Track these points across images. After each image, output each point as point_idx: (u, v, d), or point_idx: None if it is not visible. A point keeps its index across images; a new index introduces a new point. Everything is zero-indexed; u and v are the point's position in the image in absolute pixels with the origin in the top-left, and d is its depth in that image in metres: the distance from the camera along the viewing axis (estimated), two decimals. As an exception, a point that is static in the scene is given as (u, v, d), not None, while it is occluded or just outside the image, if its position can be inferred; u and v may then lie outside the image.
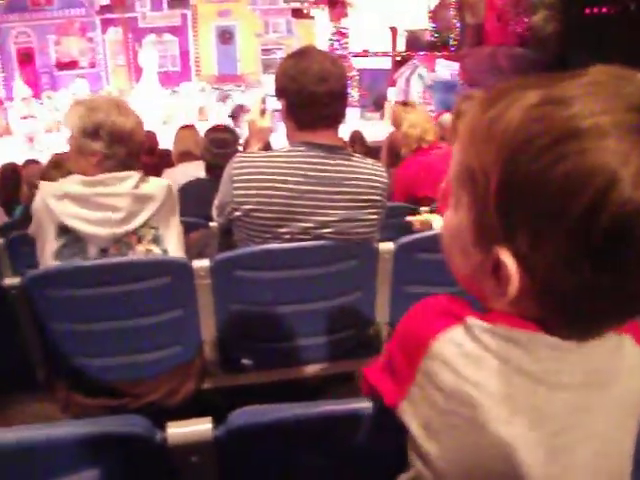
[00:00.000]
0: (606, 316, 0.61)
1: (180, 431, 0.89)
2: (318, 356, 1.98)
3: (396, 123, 3.96)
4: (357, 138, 6.35)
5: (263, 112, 2.08)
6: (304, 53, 1.84)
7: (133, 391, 1.83)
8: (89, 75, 14.78)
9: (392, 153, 3.91)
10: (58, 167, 3.39)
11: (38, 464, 0.84)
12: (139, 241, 1.85)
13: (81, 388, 1.79)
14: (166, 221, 1.91)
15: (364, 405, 0.87)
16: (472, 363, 0.63)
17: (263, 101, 2.08)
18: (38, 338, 1.79)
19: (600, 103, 0.56)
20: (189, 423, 0.89)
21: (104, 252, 1.82)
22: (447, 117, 4.44)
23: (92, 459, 0.86)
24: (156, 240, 1.88)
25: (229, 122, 12.46)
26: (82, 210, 1.79)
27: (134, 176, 1.85)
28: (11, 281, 1.76)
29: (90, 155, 1.85)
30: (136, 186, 1.84)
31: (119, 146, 1.85)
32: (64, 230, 1.80)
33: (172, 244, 1.91)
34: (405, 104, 4.89)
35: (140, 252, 1.84)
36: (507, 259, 0.59)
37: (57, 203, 1.79)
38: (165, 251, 1.89)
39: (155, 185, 1.90)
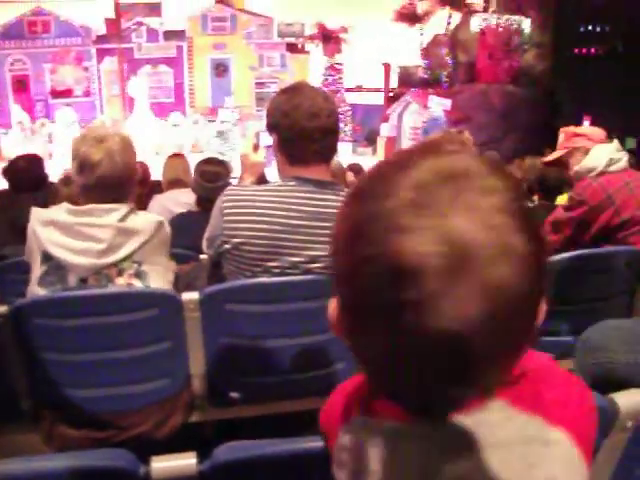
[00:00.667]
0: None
1: (164, 465, 0.88)
2: (307, 390, 1.97)
3: None
4: (355, 171, 6.42)
5: (256, 147, 2.10)
6: (296, 89, 1.87)
7: (119, 423, 1.81)
8: (84, 104, 14.85)
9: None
10: (68, 184, 3.40)
11: None
12: (120, 274, 1.84)
13: (66, 419, 1.78)
14: (152, 257, 1.90)
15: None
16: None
17: (256, 136, 2.10)
18: (24, 367, 1.78)
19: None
20: (173, 457, 0.89)
21: (83, 282, 1.81)
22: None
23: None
24: (139, 275, 1.87)
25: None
26: (65, 238, 1.80)
27: (121, 209, 1.85)
28: (-2, 309, 1.75)
29: (74, 183, 1.89)
30: (122, 219, 1.84)
31: (88, 176, 1.85)
32: (47, 257, 1.81)
33: (155, 281, 1.89)
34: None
35: (120, 285, 1.83)
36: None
37: (43, 229, 1.81)
38: (148, 287, 1.87)
39: (143, 220, 1.89)
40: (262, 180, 2.20)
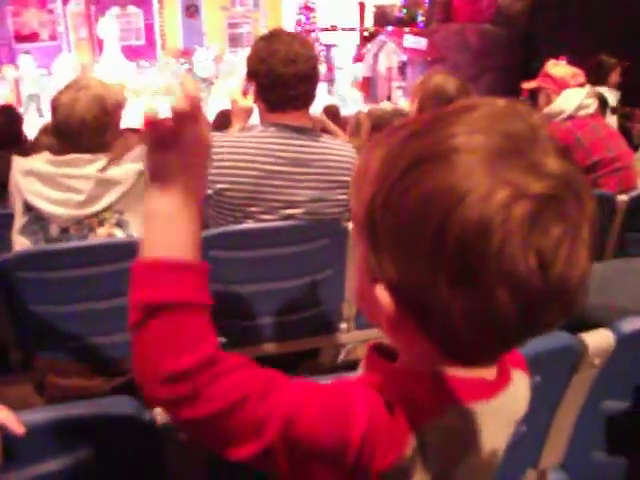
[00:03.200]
0: (483, 342, 0.58)
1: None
2: (290, 333, 2.03)
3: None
4: (331, 113, 6.31)
5: (245, 92, 2.09)
6: (274, 35, 1.86)
7: (107, 371, 1.86)
8: (50, 48, 14.39)
9: (374, 128, 3.92)
10: (47, 133, 3.33)
11: (31, 446, 0.87)
12: (101, 224, 1.85)
13: (56, 369, 1.81)
14: (134, 206, 1.90)
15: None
16: None
17: (245, 81, 2.07)
18: (12, 320, 1.80)
19: (470, 127, 0.55)
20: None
21: (65, 232, 1.83)
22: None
23: (83, 440, 0.89)
24: (120, 224, 1.88)
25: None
26: (45, 189, 1.80)
27: (102, 159, 1.85)
28: (-15, 263, 1.76)
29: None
30: (102, 169, 1.84)
31: (59, 121, 1.85)
32: (28, 207, 1.82)
33: (138, 230, 1.90)
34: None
35: (101, 235, 1.85)
36: (381, 293, 0.59)
37: (23, 179, 1.81)
38: (130, 237, 1.88)
39: (124, 170, 1.88)
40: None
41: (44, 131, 3.54)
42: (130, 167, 1.93)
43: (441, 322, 0.56)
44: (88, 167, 1.83)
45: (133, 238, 1.88)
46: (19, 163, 1.84)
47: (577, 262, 0.53)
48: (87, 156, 1.84)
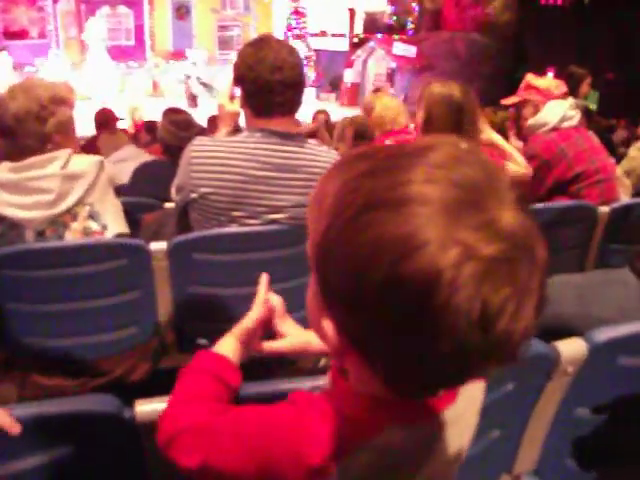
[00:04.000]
0: (423, 382, 0.59)
1: (148, 408, 0.93)
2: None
3: (368, 107, 4.05)
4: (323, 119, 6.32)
5: (232, 97, 2.11)
6: (262, 42, 1.87)
7: (90, 371, 1.86)
8: (39, 45, 14.32)
9: (356, 136, 3.97)
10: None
11: (11, 442, 0.87)
12: (74, 219, 1.85)
13: (38, 368, 1.82)
14: (101, 196, 1.91)
15: (317, 383, 0.93)
16: None
17: (233, 86, 2.09)
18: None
19: (426, 175, 0.54)
20: (157, 401, 0.93)
21: (41, 235, 1.82)
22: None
23: (64, 437, 0.90)
24: (93, 216, 1.88)
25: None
26: (12, 197, 1.79)
27: (62, 156, 1.84)
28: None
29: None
30: (64, 166, 1.84)
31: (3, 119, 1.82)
32: (0, 218, 1.80)
33: (110, 219, 1.91)
34: (377, 90, 4.96)
35: (76, 230, 1.85)
36: (327, 326, 0.61)
37: None
38: (104, 226, 1.89)
39: (85, 162, 1.88)
40: (238, 130, 2.21)
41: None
42: (88, 159, 1.92)
43: (383, 363, 0.58)
44: (50, 166, 1.82)
45: (114, 240, 1.88)
46: None
47: (521, 320, 0.54)
48: (46, 156, 1.83)
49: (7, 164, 1.83)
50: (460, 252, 0.51)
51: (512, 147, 2.79)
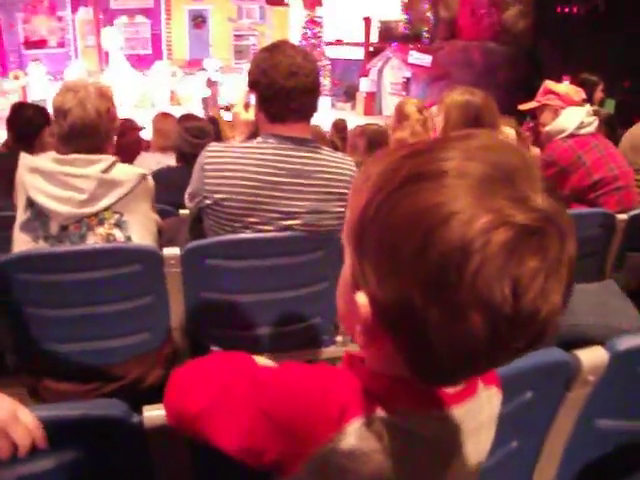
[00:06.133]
0: (452, 364, 0.59)
1: (156, 414, 0.92)
2: (285, 344, 2.02)
3: (402, 117, 3.90)
4: (340, 128, 6.28)
5: (247, 105, 2.11)
6: (277, 47, 1.87)
7: (102, 376, 1.85)
8: (58, 55, 14.47)
9: (370, 145, 3.93)
10: (54, 136, 3.32)
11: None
12: (101, 224, 1.88)
13: (50, 373, 1.81)
14: (134, 208, 1.93)
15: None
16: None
17: (248, 94, 2.10)
18: (8, 323, 1.80)
19: (466, 153, 0.57)
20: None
21: (64, 230, 1.85)
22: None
23: (72, 441, 0.89)
24: (120, 225, 1.91)
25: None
26: (48, 186, 1.83)
27: (105, 160, 1.88)
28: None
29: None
30: (105, 170, 1.87)
31: (61, 124, 1.89)
32: (31, 203, 1.85)
33: (137, 231, 1.93)
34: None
35: (99, 234, 1.88)
36: (360, 299, 0.61)
37: (28, 175, 1.85)
38: (129, 238, 1.92)
39: (126, 172, 1.93)
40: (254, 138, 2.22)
41: (50, 133, 3.53)
42: (132, 169, 1.97)
43: (414, 338, 0.57)
44: (91, 167, 1.86)
45: (131, 243, 1.89)
46: (26, 160, 1.88)
47: (549, 297, 0.54)
48: (90, 156, 1.87)
49: (53, 154, 1.88)
50: (492, 219, 0.53)
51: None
